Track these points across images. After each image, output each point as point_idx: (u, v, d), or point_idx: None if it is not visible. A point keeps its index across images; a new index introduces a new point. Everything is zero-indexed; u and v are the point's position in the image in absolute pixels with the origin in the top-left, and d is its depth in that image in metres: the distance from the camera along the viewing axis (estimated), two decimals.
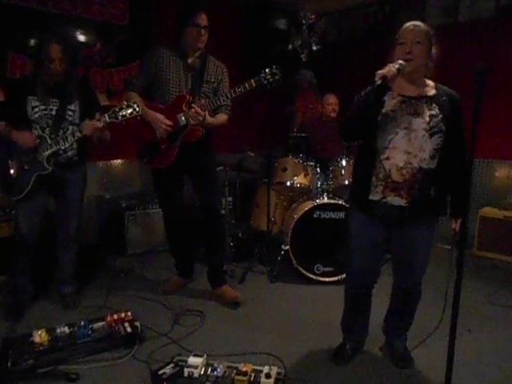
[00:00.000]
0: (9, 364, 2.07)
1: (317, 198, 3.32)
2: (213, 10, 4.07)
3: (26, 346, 2.20)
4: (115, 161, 4.15)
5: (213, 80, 2.74)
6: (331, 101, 4.08)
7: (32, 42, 3.42)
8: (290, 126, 5.03)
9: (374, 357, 2.35)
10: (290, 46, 5.06)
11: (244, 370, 2.05)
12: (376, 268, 2.20)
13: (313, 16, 5.01)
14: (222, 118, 2.78)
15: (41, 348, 2.20)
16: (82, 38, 3.72)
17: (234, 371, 2.06)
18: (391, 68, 1.79)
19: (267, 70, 2.53)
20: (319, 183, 3.43)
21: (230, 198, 4.20)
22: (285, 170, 3.53)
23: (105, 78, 3.85)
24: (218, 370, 2.08)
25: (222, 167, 3.62)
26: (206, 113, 2.60)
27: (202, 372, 2.07)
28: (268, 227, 3.63)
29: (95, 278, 3.30)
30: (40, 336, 2.26)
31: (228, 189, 3.79)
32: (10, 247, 2.75)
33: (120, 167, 4.19)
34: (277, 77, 2.53)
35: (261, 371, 2.05)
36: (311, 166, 3.55)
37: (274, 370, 2.05)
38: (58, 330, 2.35)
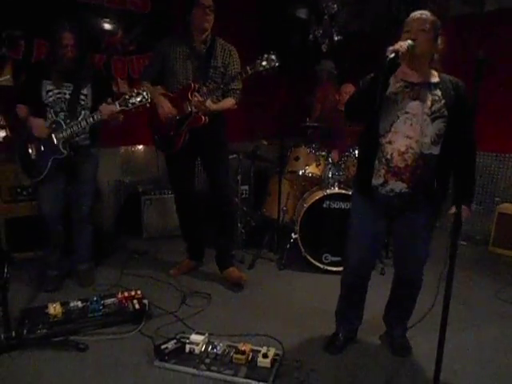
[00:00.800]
0: (25, 332, 2.23)
1: (327, 188, 3.34)
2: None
3: (42, 317, 2.36)
4: (136, 146, 4.28)
5: (219, 65, 2.77)
6: (348, 89, 4.07)
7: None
8: (309, 116, 5.04)
9: (369, 345, 2.39)
10: (311, 36, 5.04)
11: (243, 349, 2.13)
12: (374, 258, 2.22)
13: (335, 5, 4.97)
14: (228, 102, 2.81)
15: (55, 319, 2.36)
16: (105, 26, 3.84)
17: (233, 350, 2.15)
18: (402, 44, 1.81)
19: (264, 56, 2.52)
20: (331, 173, 3.45)
21: (245, 187, 4.28)
22: (297, 159, 3.57)
23: (126, 66, 3.97)
24: (218, 348, 2.18)
25: (235, 155, 3.69)
26: (208, 100, 2.65)
27: (202, 349, 2.17)
28: (278, 215, 3.68)
29: (111, 258, 3.46)
30: (54, 308, 2.41)
31: (242, 177, 3.85)
32: (35, 225, 2.93)
33: (141, 153, 4.31)
34: (273, 63, 2.51)
35: (259, 351, 2.13)
36: (323, 155, 3.57)
37: (272, 351, 2.13)
38: (72, 304, 2.50)
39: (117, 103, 2.56)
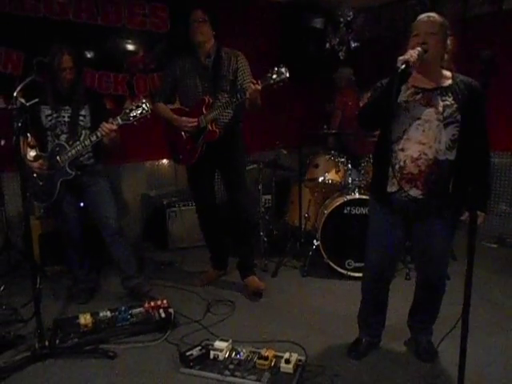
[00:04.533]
0: (57, 341, 2.34)
1: (348, 194, 3.35)
2: (250, 11, 4.22)
3: (73, 327, 2.45)
4: (161, 161, 4.41)
5: (226, 74, 2.83)
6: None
7: (89, 53, 3.76)
8: (328, 123, 5.06)
9: (393, 350, 2.37)
10: (328, 45, 5.09)
11: (266, 354, 2.16)
12: (394, 263, 2.21)
13: (350, 13, 5.01)
14: None
15: (85, 329, 2.45)
16: (127, 46, 4.01)
17: (257, 356, 2.18)
18: (412, 53, 1.81)
19: (274, 69, 2.54)
20: (350, 179, 3.46)
21: (268, 196, 4.33)
22: (316, 166, 3.60)
23: (147, 83, 4.12)
24: (242, 353, 2.22)
25: (255, 165, 3.75)
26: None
27: (226, 355, 2.21)
28: (300, 223, 3.71)
29: (139, 270, 3.55)
30: (85, 318, 2.50)
31: (263, 186, 3.90)
32: (58, 241, 3.05)
33: (165, 167, 4.44)
34: (283, 76, 2.54)
35: (282, 357, 2.15)
36: (342, 162, 3.58)
37: (295, 357, 2.15)
38: (101, 314, 2.59)
39: (119, 118, 2.60)
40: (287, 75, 2.55)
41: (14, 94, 2.18)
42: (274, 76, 2.55)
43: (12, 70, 3.48)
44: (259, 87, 2.55)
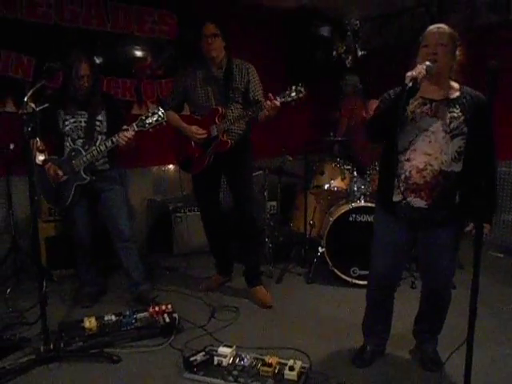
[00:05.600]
0: (62, 345, 2.35)
1: (353, 202, 3.35)
2: (256, 20, 4.26)
3: (78, 331, 2.46)
4: (167, 166, 4.44)
5: (238, 85, 2.86)
6: (374, 106, 4.07)
7: (98, 59, 3.79)
8: (334, 131, 5.07)
9: (398, 358, 2.35)
10: (335, 53, 5.11)
11: (270, 361, 2.15)
12: (399, 271, 2.21)
13: (357, 22, 5.04)
14: None
15: (90, 333, 2.45)
16: (136, 53, 4.06)
17: (261, 362, 2.18)
18: (420, 69, 1.82)
19: (292, 88, 2.60)
20: (356, 187, 3.46)
21: (273, 203, 4.34)
22: (322, 173, 3.61)
23: (155, 89, 4.16)
24: (246, 360, 2.21)
25: (261, 171, 3.76)
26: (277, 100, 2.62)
27: (230, 361, 2.21)
28: (305, 230, 3.71)
29: (146, 277, 3.55)
30: (90, 322, 2.51)
31: (269, 193, 3.91)
32: (72, 244, 3.05)
33: (171, 172, 4.46)
34: (301, 94, 2.59)
35: (285, 364, 2.14)
36: (348, 169, 3.59)
37: (298, 364, 2.14)
38: (106, 318, 2.60)
39: (134, 125, 2.62)
40: (305, 93, 2.60)
41: (25, 99, 2.20)
42: (293, 94, 2.60)
43: (22, 75, 3.53)
44: (278, 104, 2.59)
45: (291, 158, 3.95)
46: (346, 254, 3.30)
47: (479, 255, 1.67)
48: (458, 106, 1.93)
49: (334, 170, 3.60)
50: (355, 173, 3.56)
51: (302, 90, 2.60)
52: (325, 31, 5.05)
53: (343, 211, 3.28)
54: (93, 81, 2.75)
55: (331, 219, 3.32)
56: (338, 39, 5.10)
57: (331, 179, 3.57)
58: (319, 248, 3.47)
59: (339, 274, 3.31)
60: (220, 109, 2.82)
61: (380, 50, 5.30)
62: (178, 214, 4.06)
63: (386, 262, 2.16)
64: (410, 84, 1.78)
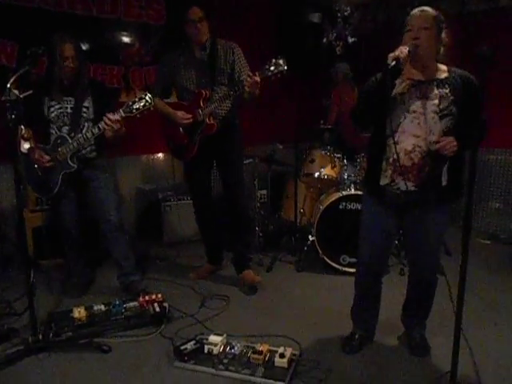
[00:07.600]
0: (51, 335, 2.33)
1: (343, 190, 3.35)
2: (247, 5, 4.19)
3: (67, 320, 2.45)
4: (156, 154, 4.39)
5: (223, 66, 2.81)
6: None
7: (84, 45, 3.66)
8: (324, 118, 5.05)
9: (387, 345, 2.38)
10: (325, 40, 5.07)
11: (260, 349, 2.16)
12: (386, 256, 2.22)
13: (348, 8, 4.99)
14: None
15: (79, 322, 2.45)
16: (123, 39, 3.97)
17: (251, 350, 2.19)
18: (402, 49, 1.82)
19: (272, 61, 2.54)
20: (346, 175, 3.46)
21: (263, 191, 4.33)
22: (312, 161, 3.60)
23: (143, 76, 4.09)
24: (236, 348, 2.22)
25: (251, 159, 3.74)
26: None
27: (221, 349, 2.21)
28: (295, 218, 3.71)
29: (136, 267, 3.52)
30: (79, 312, 2.50)
31: (259, 181, 3.89)
32: (59, 234, 3.00)
33: (161, 161, 4.42)
34: (280, 67, 2.53)
35: (276, 351, 2.16)
36: (338, 157, 3.59)
37: (289, 351, 2.15)
38: (95, 308, 2.59)
39: (121, 110, 2.55)
40: (285, 67, 2.54)
41: (8, 86, 2.14)
42: (272, 68, 2.54)
43: (6, 61, 3.43)
44: (258, 79, 2.54)
45: (281, 146, 3.93)
46: (336, 241, 3.32)
47: (467, 241, 1.68)
48: (447, 86, 1.93)
49: (325, 157, 3.59)
50: (345, 161, 3.56)
51: (281, 62, 2.53)
52: (315, 18, 4.99)
53: (333, 199, 3.28)
54: (78, 62, 2.66)
55: (321, 207, 3.32)
56: (329, 26, 5.05)
57: (321, 167, 3.56)
58: (309, 236, 3.48)
59: (329, 261, 3.33)
60: (204, 92, 2.77)
61: (370, 36, 5.26)
62: (168, 203, 4.03)
63: (373, 247, 2.17)
64: (393, 63, 1.77)
